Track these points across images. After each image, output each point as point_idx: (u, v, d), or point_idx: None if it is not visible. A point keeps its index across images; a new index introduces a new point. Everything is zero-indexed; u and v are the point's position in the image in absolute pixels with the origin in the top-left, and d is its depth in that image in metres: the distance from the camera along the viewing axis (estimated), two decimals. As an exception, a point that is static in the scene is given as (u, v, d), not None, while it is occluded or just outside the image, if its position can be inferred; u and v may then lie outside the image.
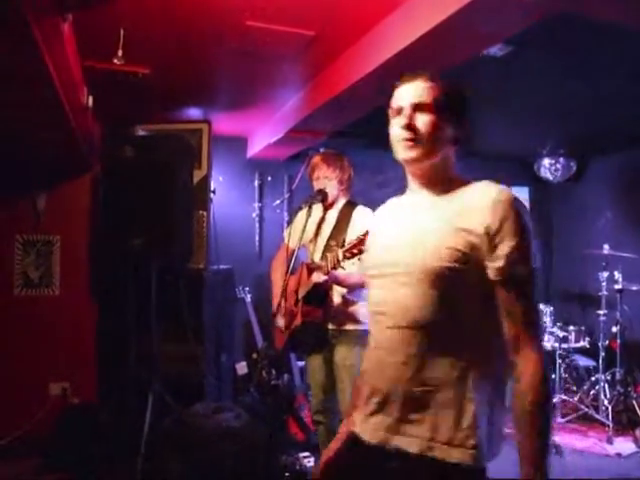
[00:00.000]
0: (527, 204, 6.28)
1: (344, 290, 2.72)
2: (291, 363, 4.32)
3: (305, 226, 2.62)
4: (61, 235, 4.21)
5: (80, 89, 2.94)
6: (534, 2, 1.91)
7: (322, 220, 2.86)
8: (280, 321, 2.74)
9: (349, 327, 2.74)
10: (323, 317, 2.67)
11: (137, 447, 2.88)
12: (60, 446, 3.22)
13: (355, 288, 2.69)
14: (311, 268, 2.61)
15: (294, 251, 2.65)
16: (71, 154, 3.73)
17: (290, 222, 2.98)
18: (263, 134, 4.81)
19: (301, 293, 2.64)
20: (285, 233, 3.01)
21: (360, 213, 2.78)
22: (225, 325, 4.44)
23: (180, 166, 3.41)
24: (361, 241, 2.19)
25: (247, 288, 4.88)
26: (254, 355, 4.54)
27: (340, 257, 2.31)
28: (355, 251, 2.23)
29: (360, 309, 2.76)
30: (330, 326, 2.75)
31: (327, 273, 2.47)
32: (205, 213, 3.90)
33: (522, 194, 6.38)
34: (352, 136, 4.78)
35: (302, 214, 2.75)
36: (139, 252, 3.24)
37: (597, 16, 2.04)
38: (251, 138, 5.22)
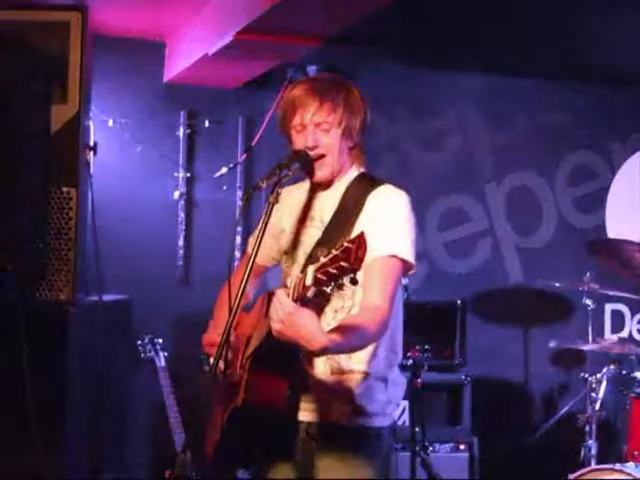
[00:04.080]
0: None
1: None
2: (237, 486, 4.76)
3: (266, 220, 2.55)
4: None
5: None
6: None
7: (311, 211, 2.87)
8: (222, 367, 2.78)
9: (347, 423, 2.73)
10: (287, 397, 2.61)
11: None
12: None
13: (356, 349, 2.66)
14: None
15: (264, 268, 2.77)
16: None
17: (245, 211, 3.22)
18: (194, 36, 4.83)
19: (252, 346, 2.66)
20: (252, 235, 3.11)
21: (381, 197, 2.76)
22: (113, 411, 4.35)
23: (22, 97, 3.39)
24: (347, 251, 2.15)
25: (159, 340, 4.80)
26: (168, 474, 4.27)
27: (309, 280, 2.25)
28: (333, 270, 2.18)
29: (375, 387, 2.75)
30: (305, 416, 2.75)
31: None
32: (74, 192, 3.74)
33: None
34: (372, 45, 4.82)
35: (288, 199, 2.86)
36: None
37: None
38: (171, 44, 5.22)
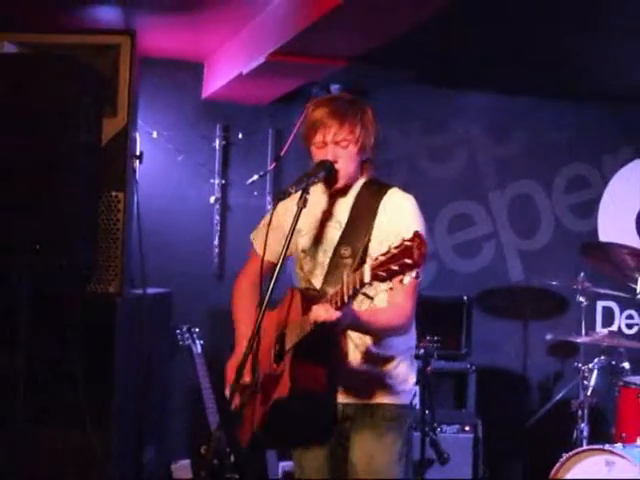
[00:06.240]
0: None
1: (367, 338, 2.80)
2: (266, 462, 4.55)
3: (295, 224, 2.65)
4: None
5: None
6: None
7: (327, 213, 2.95)
8: (235, 397, 2.73)
9: (378, 401, 2.84)
10: (327, 384, 2.69)
11: None
12: None
13: (384, 334, 2.78)
14: (309, 297, 2.68)
15: (275, 266, 2.66)
16: None
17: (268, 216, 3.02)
18: (229, 58, 4.92)
19: (291, 341, 2.68)
20: (253, 234, 3.14)
21: (395, 200, 2.87)
22: (155, 394, 4.46)
23: (76, 111, 3.46)
24: (408, 249, 2.18)
25: (196, 330, 4.95)
26: (203, 449, 4.51)
27: (366, 278, 2.29)
28: (395, 267, 2.21)
29: (398, 369, 2.86)
30: (341, 399, 2.82)
31: (340, 307, 2.45)
32: (122, 196, 3.91)
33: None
34: (389, 65, 4.90)
35: (290, 204, 2.80)
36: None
37: None
38: (209, 64, 5.30)
